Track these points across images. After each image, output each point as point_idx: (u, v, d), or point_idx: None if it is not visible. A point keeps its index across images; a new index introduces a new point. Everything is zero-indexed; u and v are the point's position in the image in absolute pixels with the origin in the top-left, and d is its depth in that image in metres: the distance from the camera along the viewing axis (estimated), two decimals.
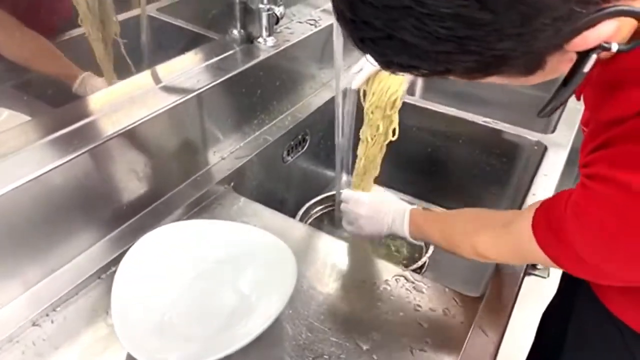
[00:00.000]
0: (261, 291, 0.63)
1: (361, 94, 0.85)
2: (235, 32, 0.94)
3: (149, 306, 0.59)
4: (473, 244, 0.65)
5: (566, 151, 0.98)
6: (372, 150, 0.88)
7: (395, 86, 0.80)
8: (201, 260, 0.66)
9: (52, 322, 0.60)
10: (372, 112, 0.84)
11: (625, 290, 0.62)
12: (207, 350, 0.55)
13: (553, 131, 1.04)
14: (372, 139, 0.87)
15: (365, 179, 0.93)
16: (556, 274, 0.95)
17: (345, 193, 0.86)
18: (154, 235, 0.65)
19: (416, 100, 1.15)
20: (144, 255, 0.63)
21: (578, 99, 0.57)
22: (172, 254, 0.65)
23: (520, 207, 0.88)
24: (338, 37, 0.76)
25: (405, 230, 0.77)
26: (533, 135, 1.02)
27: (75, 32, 0.93)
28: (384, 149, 0.89)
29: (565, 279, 0.86)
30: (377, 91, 0.82)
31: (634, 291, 0.61)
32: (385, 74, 0.80)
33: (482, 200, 1.11)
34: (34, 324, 0.59)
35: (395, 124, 0.85)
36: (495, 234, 0.63)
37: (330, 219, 1.03)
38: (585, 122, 0.59)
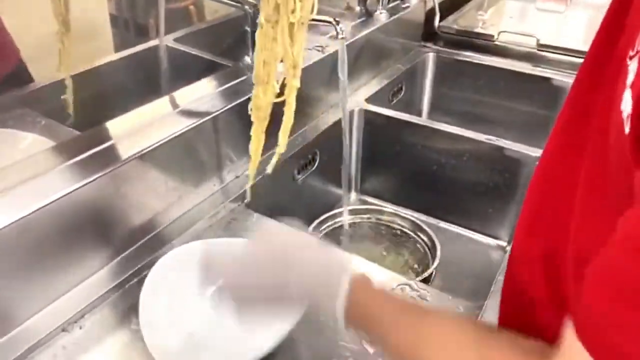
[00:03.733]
0: None
1: None
2: (247, 58, 1.00)
3: (174, 315, 0.64)
4: None
5: None
6: (269, 37, 0.62)
7: None
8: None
9: (80, 328, 0.65)
10: None
11: None
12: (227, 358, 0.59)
13: None
14: (266, 22, 0.61)
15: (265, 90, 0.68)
16: None
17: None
18: (179, 252, 0.70)
19: (422, 120, 1.20)
20: (169, 269, 0.67)
21: None
22: (194, 270, 0.69)
23: None
24: (343, 61, 0.82)
25: (338, 311, 0.45)
26: (534, 151, 1.06)
27: None
28: (295, 40, 0.63)
29: None
30: None
31: None
32: None
33: (486, 215, 1.15)
34: (63, 330, 0.64)
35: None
36: None
37: (338, 234, 1.07)
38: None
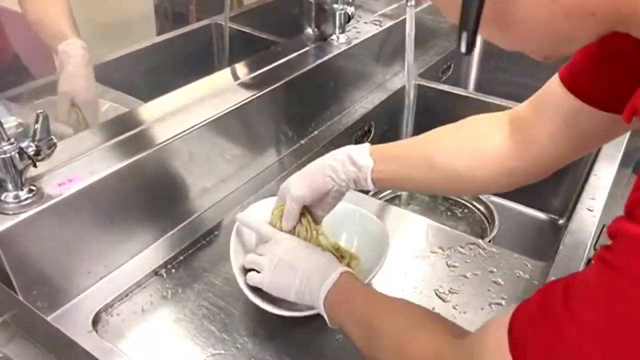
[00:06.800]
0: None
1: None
2: (309, 30, 1.03)
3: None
4: (401, 345, 0.46)
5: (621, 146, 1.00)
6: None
7: None
8: None
9: (171, 272, 0.69)
10: None
11: None
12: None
13: None
14: None
15: None
16: None
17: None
18: (261, 204, 0.73)
19: (475, 94, 1.21)
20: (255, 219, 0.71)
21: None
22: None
23: (578, 196, 0.91)
24: (411, 28, 0.84)
25: (320, 300, 0.54)
26: None
27: None
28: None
29: None
30: None
31: None
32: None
33: (538, 190, 1.15)
34: (156, 274, 0.69)
35: None
36: (438, 341, 0.44)
37: (398, 204, 1.10)
38: None
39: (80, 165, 0.64)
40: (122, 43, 1.20)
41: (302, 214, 0.65)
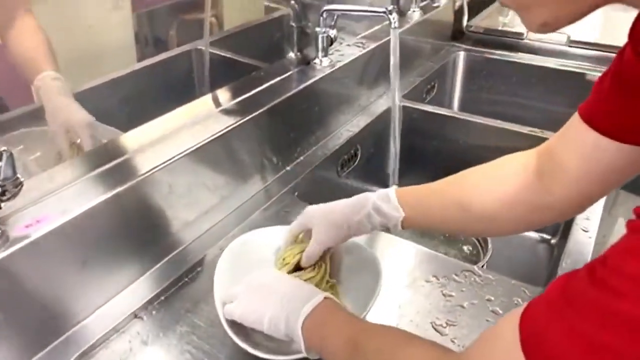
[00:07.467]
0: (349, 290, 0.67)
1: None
2: (292, 54, 1.01)
3: None
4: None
5: None
6: None
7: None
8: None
9: (152, 314, 0.65)
10: None
11: None
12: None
13: None
14: None
15: None
16: None
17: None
18: (246, 237, 0.70)
19: (462, 114, 1.20)
20: (236, 254, 0.67)
21: None
22: (262, 253, 0.69)
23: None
24: (395, 50, 0.82)
25: (298, 323, 0.52)
26: None
27: None
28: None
29: None
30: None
31: None
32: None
33: None
34: (136, 316, 0.64)
35: None
36: (431, 356, 0.43)
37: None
38: None
39: (50, 204, 0.59)
40: (101, 70, 1.16)
41: (323, 256, 0.65)
